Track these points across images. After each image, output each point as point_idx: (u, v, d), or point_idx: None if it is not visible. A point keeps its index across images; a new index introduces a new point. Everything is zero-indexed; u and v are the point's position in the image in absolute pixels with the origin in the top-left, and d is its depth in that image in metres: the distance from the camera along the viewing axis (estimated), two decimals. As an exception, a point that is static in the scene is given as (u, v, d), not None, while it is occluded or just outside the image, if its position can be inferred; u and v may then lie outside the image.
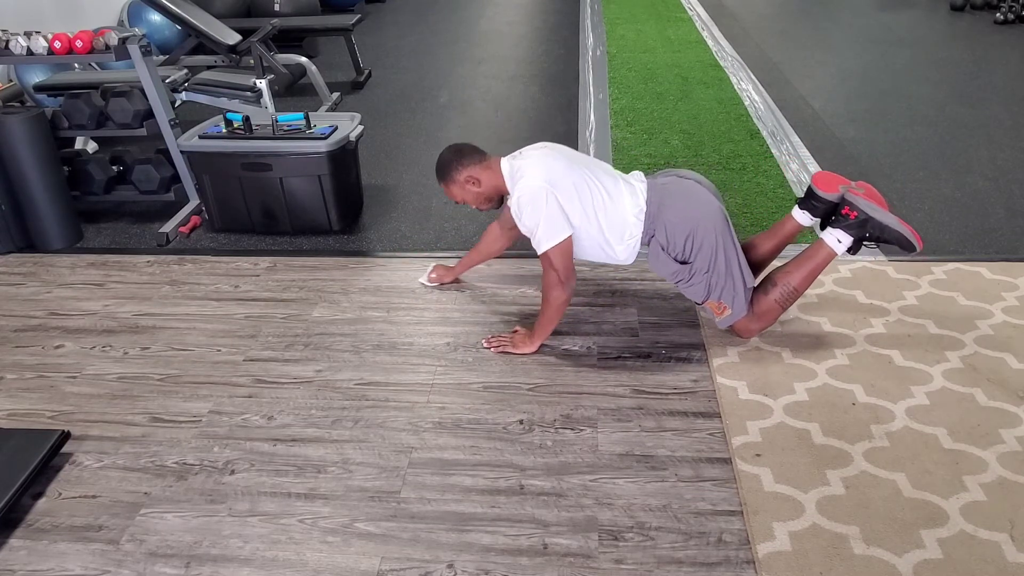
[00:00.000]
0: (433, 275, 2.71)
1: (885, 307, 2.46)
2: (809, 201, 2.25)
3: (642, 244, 2.24)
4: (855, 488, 1.75)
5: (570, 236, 2.14)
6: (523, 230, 2.18)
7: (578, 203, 2.14)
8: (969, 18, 6.79)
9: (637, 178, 2.28)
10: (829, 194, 2.20)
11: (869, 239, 2.16)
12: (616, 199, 2.19)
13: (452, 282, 2.70)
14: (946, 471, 1.80)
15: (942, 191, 3.35)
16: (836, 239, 2.16)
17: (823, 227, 2.24)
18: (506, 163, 2.24)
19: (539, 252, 2.14)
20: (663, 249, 2.20)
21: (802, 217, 2.28)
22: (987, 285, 2.56)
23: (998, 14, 6.51)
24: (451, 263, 2.76)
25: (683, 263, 2.20)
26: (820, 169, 3.55)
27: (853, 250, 2.18)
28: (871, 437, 1.91)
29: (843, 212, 2.17)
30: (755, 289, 2.24)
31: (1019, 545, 1.60)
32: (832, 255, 2.18)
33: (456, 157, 2.27)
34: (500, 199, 2.33)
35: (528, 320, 2.40)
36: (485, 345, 2.33)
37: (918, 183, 3.44)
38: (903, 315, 2.42)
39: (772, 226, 2.38)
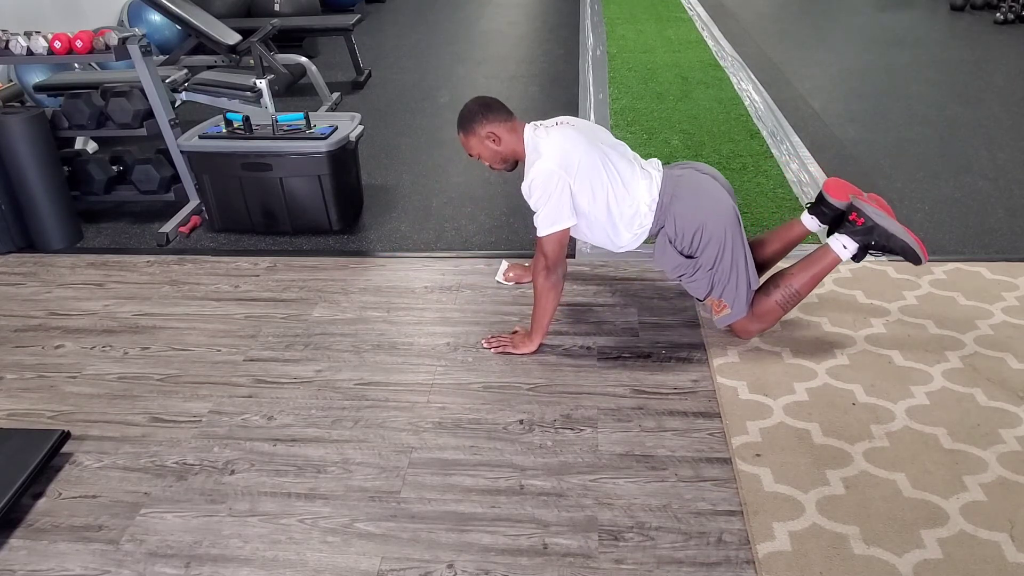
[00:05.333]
0: (511, 274, 2.70)
1: (885, 307, 2.46)
2: (819, 207, 2.25)
3: (650, 234, 2.24)
4: (855, 488, 1.75)
5: (568, 228, 2.13)
6: (531, 204, 2.17)
7: (589, 190, 2.13)
8: (969, 18, 6.79)
9: (654, 166, 2.26)
10: (839, 201, 2.20)
11: (875, 247, 2.15)
12: (631, 188, 2.18)
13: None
14: (946, 471, 1.80)
15: (942, 191, 3.35)
16: (842, 244, 2.16)
17: (829, 234, 2.24)
18: (529, 131, 2.19)
19: (537, 234, 2.14)
20: (670, 242, 2.20)
21: (810, 223, 2.28)
22: (987, 285, 2.56)
23: (998, 14, 6.50)
24: (452, 262, 2.77)
25: (689, 257, 2.20)
26: (821, 170, 3.56)
27: (858, 258, 2.17)
28: (871, 437, 1.91)
29: (851, 218, 2.16)
30: (757, 291, 2.24)
31: (1019, 545, 1.60)
32: (837, 261, 2.17)
33: (482, 110, 2.19)
34: (515, 163, 2.28)
35: (528, 321, 2.39)
36: (485, 345, 2.33)
37: (918, 183, 3.44)
38: (903, 315, 2.42)
39: (778, 228, 2.39)
